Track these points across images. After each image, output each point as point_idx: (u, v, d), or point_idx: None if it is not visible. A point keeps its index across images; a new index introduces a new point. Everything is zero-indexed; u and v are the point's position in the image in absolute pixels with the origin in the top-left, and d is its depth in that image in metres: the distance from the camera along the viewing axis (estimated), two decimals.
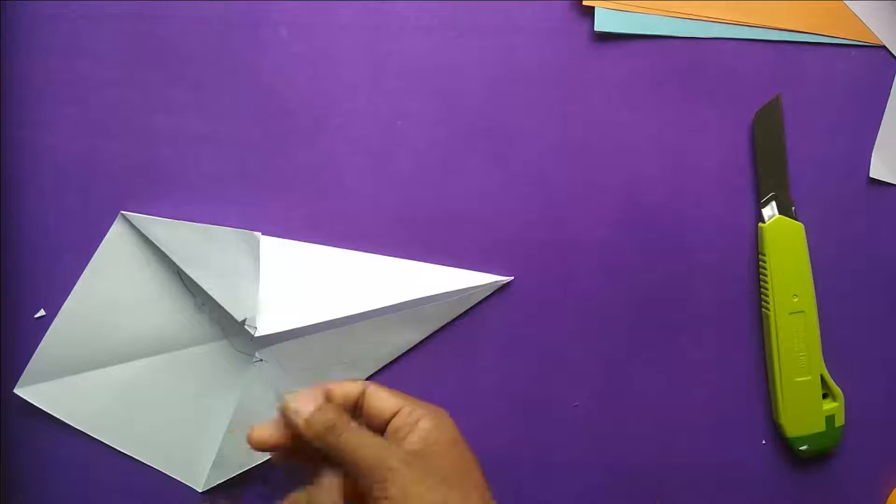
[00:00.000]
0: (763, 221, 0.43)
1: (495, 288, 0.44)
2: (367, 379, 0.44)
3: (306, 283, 0.43)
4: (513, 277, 0.44)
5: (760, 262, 0.43)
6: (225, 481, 0.44)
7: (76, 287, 0.42)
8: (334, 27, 0.42)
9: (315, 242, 0.43)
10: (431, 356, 0.44)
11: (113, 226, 0.42)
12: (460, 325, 0.44)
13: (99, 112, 0.43)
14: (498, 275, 0.43)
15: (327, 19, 0.42)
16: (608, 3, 0.42)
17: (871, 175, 0.44)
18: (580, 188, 0.44)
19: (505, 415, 0.45)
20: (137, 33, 0.42)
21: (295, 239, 0.43)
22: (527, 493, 0.45)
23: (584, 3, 0.42)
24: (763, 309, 0.44)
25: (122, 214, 0.42)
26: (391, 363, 0.44)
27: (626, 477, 0.45)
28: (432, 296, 0.43)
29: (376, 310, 0.43)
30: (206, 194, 0.43)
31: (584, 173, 0.43)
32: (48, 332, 0.42)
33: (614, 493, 0.45)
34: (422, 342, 0.44)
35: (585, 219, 0.44)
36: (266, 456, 0.42)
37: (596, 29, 0.42)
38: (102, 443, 0.44)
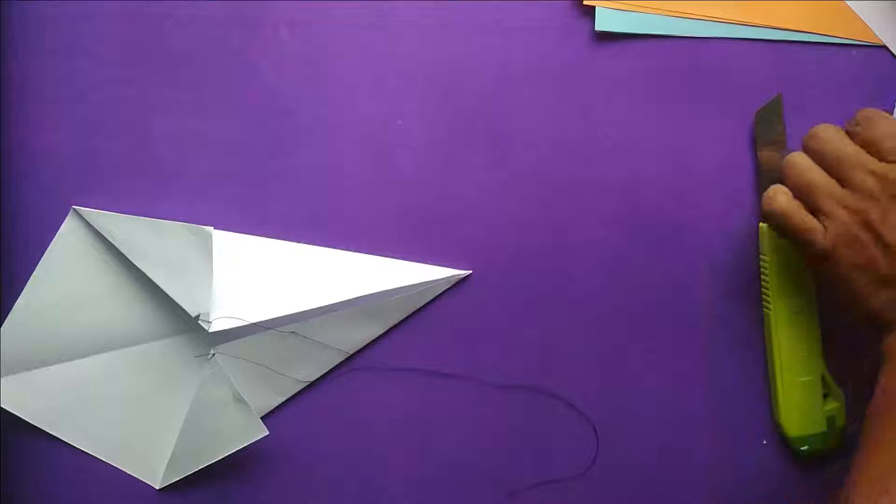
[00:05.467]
0: (763, 221, 0.43)
1: (454, 282, 0.43)
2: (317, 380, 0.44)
3: (262, 277, 0.42)
4: (471, 271, 0.44)
5: (761, 263, 0.43)
6: (181, 479, 0.43)
7: (29, 283, 0.42)
8: (334, 27, 0.42)
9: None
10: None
11: (65, 221, 0.42)
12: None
13: (99, 112, 0.43)
14: (458, 269, 0.43)
15: (327, 19, 0.42)
16: (608, 2, 0.42)
17: None
18: (580, 188, 0.44)
19: (504, 408, 0.45)
20: (137, 33, 0.42)
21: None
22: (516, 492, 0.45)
23: (585, 2, 0.42)
24: (763, 309, 0.44)
25: (75, 209, 0.42)
26: (350, 357, 0.44)
27: (625, 477, 0.45)
28: (390, 290, 0.43)
29: (332, 304, 0.42)
30: (206, 194, 0.43)
31: (583, 173, 0.43)
32: (2, 327, 0.42)
33: (613, 493, 0.45)
34: (380, 336, 0.44)
35: (585, 218, 0.44)
36: (216, 458, 0.42)
37: (596, 28, 0.42)
38: (59, 439, 0.43)
